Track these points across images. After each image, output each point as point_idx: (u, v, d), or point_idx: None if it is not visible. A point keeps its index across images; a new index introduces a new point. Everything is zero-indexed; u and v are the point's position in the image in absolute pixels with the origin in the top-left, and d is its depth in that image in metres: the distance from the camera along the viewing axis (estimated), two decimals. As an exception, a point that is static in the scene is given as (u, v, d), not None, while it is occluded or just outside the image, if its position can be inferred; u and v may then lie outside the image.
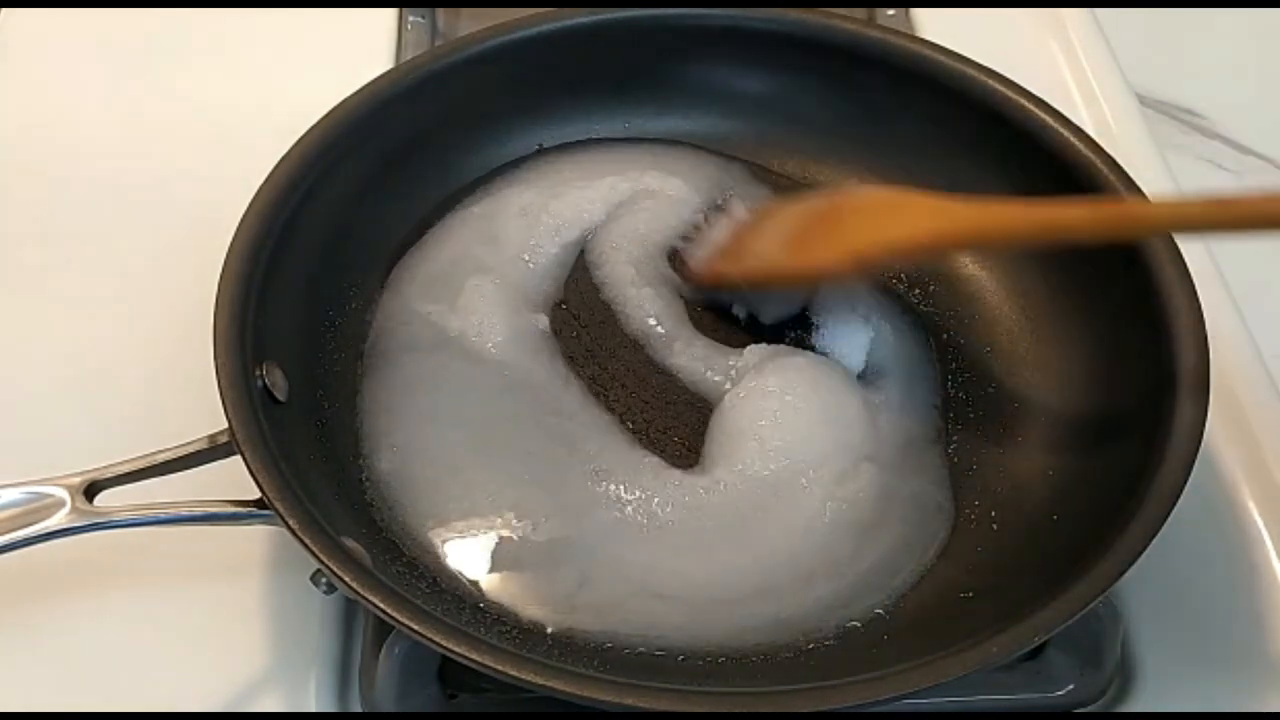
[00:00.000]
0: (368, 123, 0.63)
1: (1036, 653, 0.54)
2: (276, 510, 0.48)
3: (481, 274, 0.64)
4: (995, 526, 0.57)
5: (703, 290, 0.64)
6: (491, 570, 0.54)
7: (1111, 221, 0.53)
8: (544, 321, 0.63)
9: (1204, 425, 0.52)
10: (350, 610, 0.56)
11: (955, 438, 0.60)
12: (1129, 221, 0.53)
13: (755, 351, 0.61)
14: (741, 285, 0.64)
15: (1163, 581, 0.56)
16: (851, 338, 0.63)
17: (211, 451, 0.52)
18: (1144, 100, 0.80)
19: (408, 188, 0.66)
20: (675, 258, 0.66)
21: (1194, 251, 0.57)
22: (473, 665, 0.45)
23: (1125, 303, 0.58)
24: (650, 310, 0.64)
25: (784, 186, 0.69)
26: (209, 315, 0.53)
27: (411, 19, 0.82)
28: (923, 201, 0.58)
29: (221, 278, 0.55)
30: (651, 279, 0.65)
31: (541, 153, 0.70)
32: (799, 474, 0.57)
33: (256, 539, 0.57)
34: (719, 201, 0.68)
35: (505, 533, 0.55)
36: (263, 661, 0.55)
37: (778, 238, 0.62)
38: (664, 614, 0.53)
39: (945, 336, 0.64)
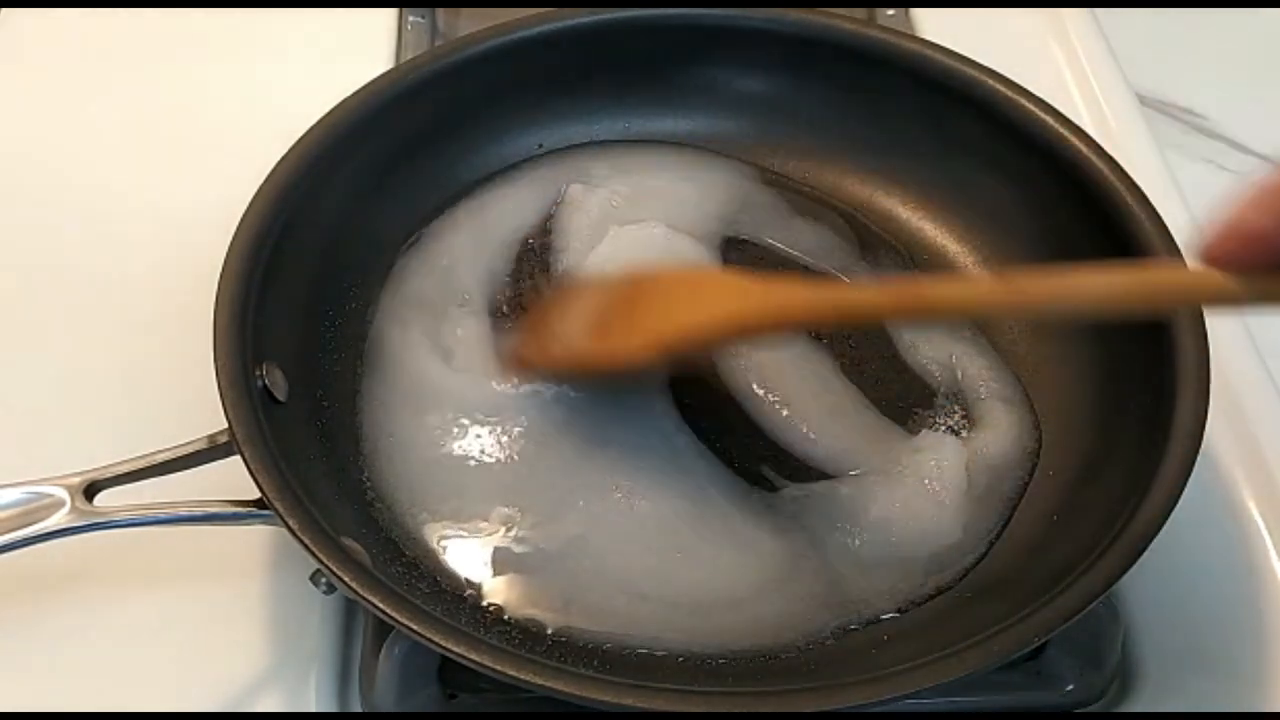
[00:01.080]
0: (368, 123, 0.63)
1: (1036, 653, 0.54)
2: (276, 510, 0.48)
3: (481, 273, 0.64)
4: (996, 527, 0.57)
5: (515, 375, 0.60)
6: (491, 570, 0.54)
7: (904, 305, 0.52)
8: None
9: (1204, 425, 0.52)
10: (350, 610, 0.56)
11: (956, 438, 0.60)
12: (921, 304, 0.51)
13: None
14: (547, 373, 0.60)
15: (1163, 581, 0.56)
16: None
17: (211, 451, 0.52)
18: (1144, 100, 0.80)
19: (408, 188, 0.66)
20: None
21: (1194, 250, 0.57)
22: (473, 665, 0.45)
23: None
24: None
25: (784, 186, 0.69)
26: (209, 315, 0.53)
27: (411, 19, 0.82)
28: (724, 282, 0.57)
29: (221, 278, 0.55)
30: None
31: (542, 153, 0.70)
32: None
33: (256, 539, 0.57)
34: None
35: (505, 533, 0.55)
36: (263, 661, 0.55)
37: (582, 321, 0.58)
38: (663, 614, 0.53)
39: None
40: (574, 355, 0.58)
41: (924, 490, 0.57)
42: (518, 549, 0.55)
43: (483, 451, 0.58)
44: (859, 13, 0.82)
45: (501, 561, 0.55)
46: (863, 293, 0.54)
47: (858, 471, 0.58)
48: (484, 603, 0.53)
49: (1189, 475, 0.50)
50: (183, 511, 0.51)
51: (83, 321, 0.67)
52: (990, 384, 0.61)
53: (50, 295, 0.68)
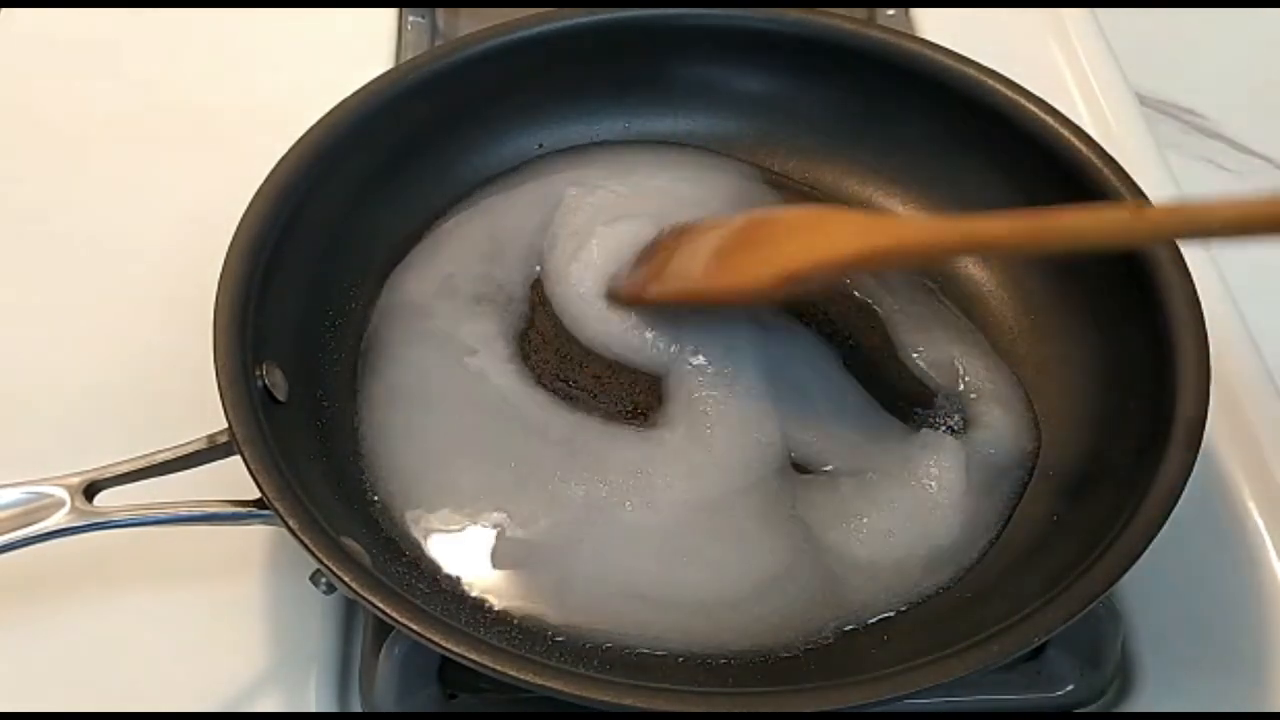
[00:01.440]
0: (367, 123, 0.63)
1: (1036, 653, 0.54)
2: (276, 510, 0.48)
3: (481, 274, 0.64)
4: (996, 526, 0.57)
5: (626, 308, 0.63)
6: (491, 571, 0.54)
7: (1032, 234, 0.51)
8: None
9: (1204, 425, 0.52)
10: (350, 610, 0.56)
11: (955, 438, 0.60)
12: (1049, 234, 0.51)
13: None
14: (665, 305, 0.62)
15: (1163, 581, 0.56)
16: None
17: (211, 451, 0.52)
18: (1144, 100, 0.80)
19: (408, 188, 0.66)
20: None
21: (1194, 250, 0.57)
22: (473, 665, 0.45)
23: (1127, 304, 0.58)
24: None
25: (785, 186, 0.69)
26: (209, 315, 0.53)
27: (411, 19, 0.82)
28: (849, 218, 0.59)
29: (221, 278, 0.55)
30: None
31: (542, 153, 0.70)
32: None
33: (256, 539, 0.57)
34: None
35: (506, 533, 0.55)
36: (263, 661, 0.55)
37: (702, 258, 0.60)
38: (663, 614, 0.53)
39: (945, 336, 0.64)
40: (695, 289, 0.60)
41: (924, 490, 0.57)
42: (518, 549, 0.55)
43: (483, 452, 0.58)
44: (859, 13, 0.82)
45: (502, 561, 0.54)
46: (988, 224, 0.53)
47: (858, 470, 0.58)
48: (484, 603, 0.53)
49: (1189, 475, 0.50)
50: (183, 511, 0.51)
51: (83, 321, 0.67)
52: (990, 384, 0.61)
53: (50, 295, 0.68)
